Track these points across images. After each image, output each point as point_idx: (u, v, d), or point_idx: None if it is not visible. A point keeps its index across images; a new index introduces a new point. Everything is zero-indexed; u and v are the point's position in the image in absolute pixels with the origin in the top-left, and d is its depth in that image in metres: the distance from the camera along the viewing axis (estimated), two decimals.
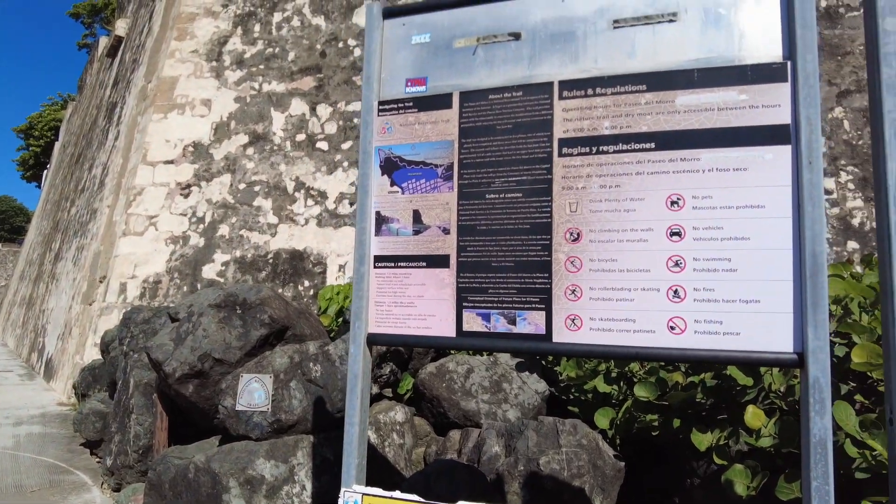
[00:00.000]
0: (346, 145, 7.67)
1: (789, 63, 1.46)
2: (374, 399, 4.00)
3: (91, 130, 15.08)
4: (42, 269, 15.74)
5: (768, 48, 1.51)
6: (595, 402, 3.78)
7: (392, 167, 1.74)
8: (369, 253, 1.73)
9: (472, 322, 1.60)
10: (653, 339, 1.45)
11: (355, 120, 7.80)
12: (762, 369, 2.80)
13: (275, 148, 7.82)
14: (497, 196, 1.62)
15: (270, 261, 7.33)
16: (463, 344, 1.61)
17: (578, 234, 1.54)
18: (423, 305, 1.66)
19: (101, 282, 7.96)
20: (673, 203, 1.49)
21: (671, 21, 1.58)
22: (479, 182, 1.64)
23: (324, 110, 7.93)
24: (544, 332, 1.53)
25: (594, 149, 1.57)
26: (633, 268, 1.49)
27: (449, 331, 1.63)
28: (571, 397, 4.05)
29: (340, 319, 6.07)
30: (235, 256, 7.37)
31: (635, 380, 3.68)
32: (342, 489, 1.61)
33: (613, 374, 3.66)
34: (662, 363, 3.22)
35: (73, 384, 6.72)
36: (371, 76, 1.81)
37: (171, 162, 7.95)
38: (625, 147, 1.54)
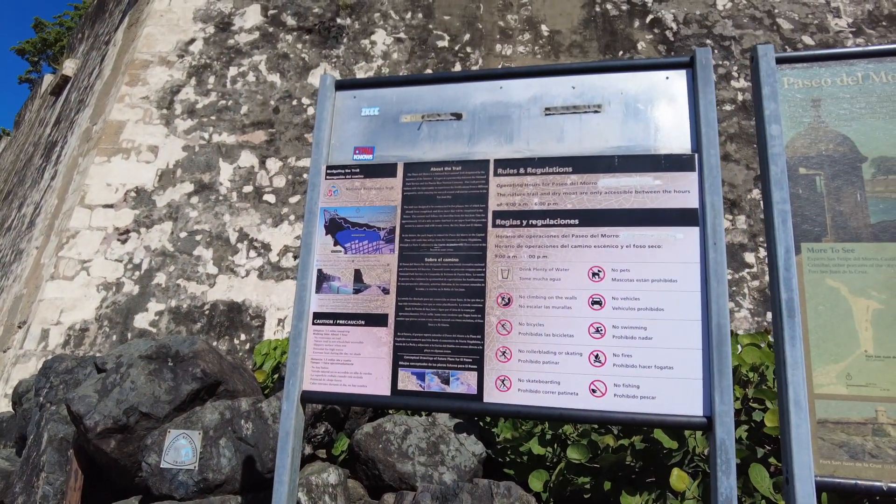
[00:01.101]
0: (294, 199, 7.70)
1: (696, 155, 1.66)
2: (308, 460, 3.90)
3: (25, 168, 14.51)
4: None
5: (680, 140, 1.70)
6: (530, 464, 3.82)
7: (336, 228, 1.82)
8: (308, 309, 1.77)
9: (407, 381, 1.66)
10: (576, 401, 1.54)
11: (305, 175, 7.87)
12: (687, 433, 2.94)
13: (220, 198, 7.76)
14: (435, 260, 1.71)
15: (207, 312, 7.13)
16: (397, 403, 1.65)
17: (509, 299, 1.64)
18: (359, 363, 1.70)
19: (19, 327, 7.50)
20: (594, 274, 1.62)
21: (596, 112, 1.77)
22: (419, 246, 1.74)
23: (273, 164, 7.97)
24: (476, 392, 1.60)
25: (524, 222, 1.69)
26: (558, 332, 1.60)
27: (384, 389, 1.67)
28: (507, 459, 4.08)
29: (276, 376, 5.93)
30: (171, 306, 7.13)
31: (569, 442, 3.77)
32: None
33: (548, 437, 3.72)
34: (594, 425, 3.32)
35: None
36: (321, 141, 1.91)
37: (111, 206, 7.74)
38: (552, 222, 1.68)
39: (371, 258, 1.77)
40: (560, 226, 1.67)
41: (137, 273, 7.31)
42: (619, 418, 1.51)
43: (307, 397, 1.72)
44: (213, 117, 8.39)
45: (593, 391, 1.54)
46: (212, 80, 8.77)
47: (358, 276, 1.76)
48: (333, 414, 3.85)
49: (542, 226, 1.68)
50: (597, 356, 1.56)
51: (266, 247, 7.43)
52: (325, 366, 1.73)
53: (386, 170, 1.83)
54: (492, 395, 1.59)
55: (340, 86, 1.95)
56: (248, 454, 3.07)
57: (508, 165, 1.75)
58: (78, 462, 3.46)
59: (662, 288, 1.58)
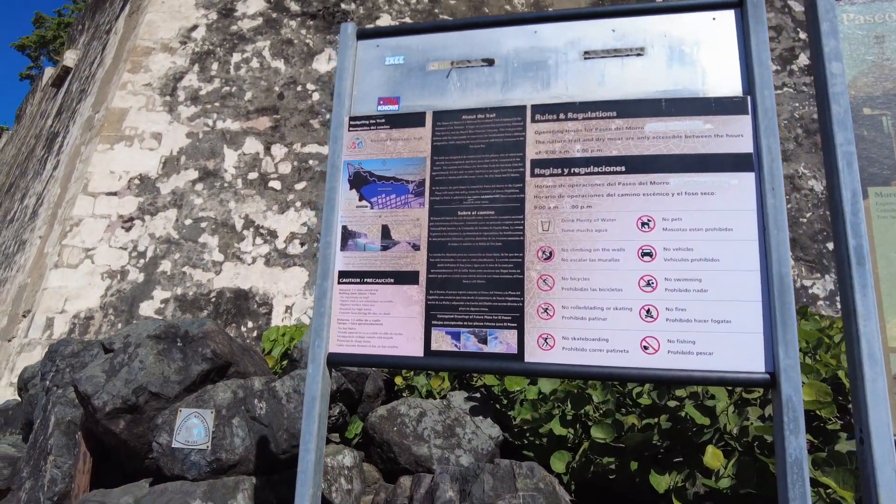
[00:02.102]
0: (300, 185, 7.59)
1: (749, 98, 1.53)
2: None
3: (27, 160, 14.41)
4: None
5: (730, 83, 1.58)
6: (550, 446, 3.71)
7: (361, 182, 1.70)
8: (333, 268, 1.66)
9: (441, 341, 1.55)
10: (627, 359, 1.43)
11: (310, 162, 7.76)
12: (718, 409, 2.82)
13: (225, 185, 7.64)
14: (469, 213, 1.60)
15: (213, 299, 7.03)
16: (431, 364, 1.54)
17: (551, 253, 1.53)
18: (389, 323, 1.59)
19: (24, 316, 7.41)
20: (643, 224, 1.50)
21: (639, 55, 1.65)
22: (450, 199, 1.62)
23: (279, 150, 7.85)
24: (516, 352, 1.49)
25: (566, 170, 1.58)
26: (605, 287, 1.48)
27: (416, 350, 1.56)
28: (526, 441, 3.97)
29: (285, 362, 5.83)
30: (176, 294, 7.03)
31: (590, 423, 3.66)
32: None
33: (569, 417, 3.62)
34: (638, 385, 3.21)
35: None
36: (343, 92, 1.79)
37: (115, 194, 7.63)
38: (596, 169, 1.56)
39: (399, 213, 1.65)
40: (605, 173, 1.55)
41: (142, 261, 7.21)
42: (674, 376, 1.40)
43: (334, 360, 1.60)
44: (216, 104, 8.26)
45: (645, 348, 1.43)
46: (215, 66, 8.64)
47: (385, 232, 1.65)
48: (348, 395, 3.75)
49: (586, 174, 1.56)
50: (648, 311, 1.44)
51: (272, 234, 7.32)
52: (353, 326, 1.62)
53: (413, 119, 1.71)
54: (534, 355, 1.48)
55: (363, 35, 1.83)
56: (262, 434, 2.96)
57: (547, 111, 1.63)
58: (86, 444, 3.36)
59: (717, 237, 1.46)
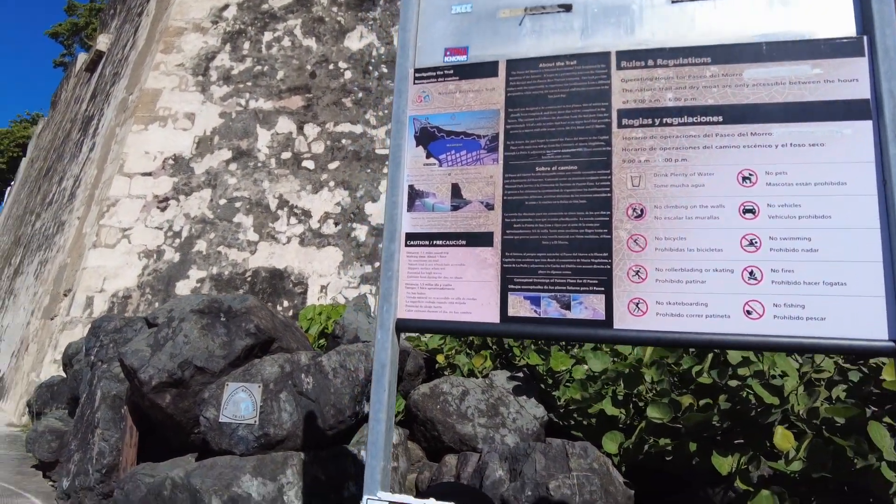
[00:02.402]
0: (333, 165, 7.52)
1: (865, 38, 1.37)
2: (363, 420, 3.75)
3: (63, 144, 14.65)
4: None
5: (840, 23, 1.42)
6: (599, 427, 3.60)
7: (428, 138, 1.59)
8: (400, 230, 1.56)
9: (519, 306, 1.43)
10: (728, 325, 1.30)
11: (343, 141, 7.68)
12: (787, 389, 2.67)
13: (259, 165, 7.62)
14: (548, 169, 1.48)
15: (249, 279, 7.04)
16: (509, 331, 1.43)
17: (642, 211, 1.40)
18: (461, 288, 1.48)
19: (65, 295, 7.53)
20: (745, 178, 1.36)
21: None
22: (528, 154, 1.50)
23: (311, 130, 7.79)
24: (604, 318, 1.37)
25: (657, 121, 1.44)
26: (704, 247, 1.35)
27: (492, 316, 1.45)
28: (572, 422, 3.87)
29: (322, 340, 5.80)
30: (212, 273, 7.06)
31: (640, 403, 3.53)
32: (364, 497, 1.40)
33: (620, 397, 3.49)
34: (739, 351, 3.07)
35: (27, 402, 6.24)
36: (406, 43, 1.67)
37: (150, 174, 7.67)
38: (690, 119, 1.42)
39: (470, 170, 1.54)
40: (700, 124, 1.41)
41: (178, 240, 7.24)
42: (782, 343, 1.26)
43: (403, 326, 1.51)
44: (248, 83, 8.22)
45: (748, 313, 1.29)
46: (246, 45, 8.59)
47: (456, 190, 1.53)
48: None
49: (679, 124, 1.42)
50: (752, 273, 1.31)
51: (306, 213, 7.28)
52: (422, 291, 1.51)
53: (485, 69, 1.58)
54: (624, 321, 1.36)
55: None
56: (310, 409, 2.90)
57: (634, 58, 1.49)
58: (132, 418, 3.36)
59: (828, 192, 1.31)
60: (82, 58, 18.20)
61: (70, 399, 4.89)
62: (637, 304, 1.36)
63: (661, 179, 1.40)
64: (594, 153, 1.46)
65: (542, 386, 4.16)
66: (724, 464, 2.72)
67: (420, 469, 3.74)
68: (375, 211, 7.22)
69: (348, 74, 8.11)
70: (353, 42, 8.40)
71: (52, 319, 7.69)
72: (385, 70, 8.00)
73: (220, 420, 2.72)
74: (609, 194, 1.42)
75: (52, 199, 12.49)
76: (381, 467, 1.41)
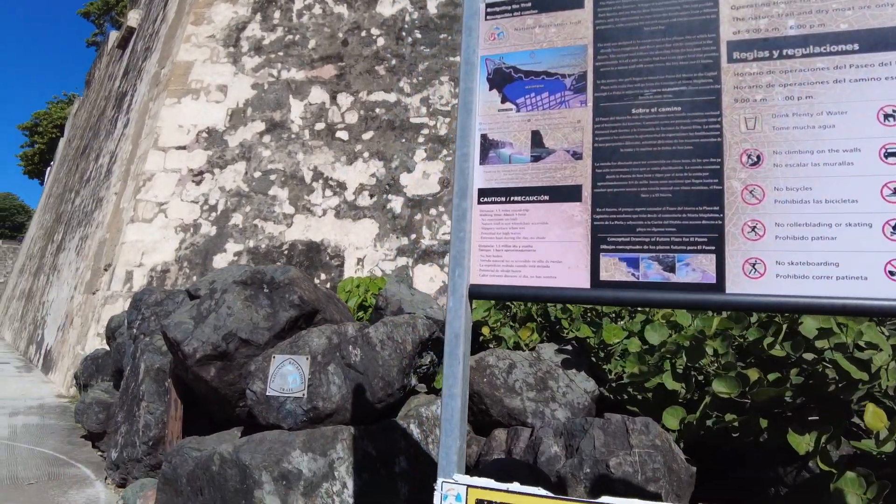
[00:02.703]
0: (367, 135, 7.36)
1: None
2: (410, 393, 3.65)
3: (98, 122, 14.79)
4: (42, 262, 15.38)
5: None
6: (657, 402, 3.43)
7: (503, 80, 1.41)
8: (472, 185, 1.39)
9: (614, 269, 1.26)
10: (865, 288, 1.11)
11: (377, 110, 7.50)
12: (876, 363, 2.45)
13: (292, 136, 7.50)
14: (647, 111, 1.28)
15: (285, 252, 6.99)
16: (602, 297, 1.26)
17: (759, 157, 1.20)
18: (544, 249, 1.31)
19: (105, 270, 7.61)
20: (887, 117, 1.15)
21: None
22: (622, 94, 1.30)
23: (345, 99, 7.62)
24: (714, 281, 1.19)
25: (776, 52, 1.23)
26: (834, 198, 1.15)
27: (581, 280, 1.28)
28: (625, 397, 3.70)
29: (361, 313, 5.72)
30: (249, 247, 7.02)
31: (700, 377, 3.35)
32: (439, 480, 1.26)
33: (680, 370, 3.31)
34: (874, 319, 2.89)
35: (73, 374, 6.35)
36: None
37: (184, 148, 7.62)
38: (817, 50, 1.21)
39: (554, 115, 1.35)
40: (830, 54, 1.20)
41: (214, 214, 7.22)
42: None
43: (477, 292, 1.35)
44: (280, 53, 8.07)
45: (891, 274, 1.10)
46: (277, 14, 8.41)
47: (537, 138, 1.35)
48: (439, 344, 3.55)
49: (803, 56, 1.21)
50: (895, 227, 1.11)
51: (341, 185, 7.16)
52: (498, 254, 1.35)
53: (568, 0, 1.38)
54: (738, 284, 1.18)
55: None
56: (358, 382, 2.79)
57: None
58: (176, 391, 3.31)
59: None
60: (114, 35, 18.28)
61: (114, 372, 4.92)
62: (753, 265, 1.18)
63: (782, 121, 1.20)
64: (700, 92, 1.26)
65: (593, 359, 3.99)
66: (802, 442, 2.53)
67: (467, 443, 3.63)
68: (411, 182, 7.06)
69: (381, 41, 7.89)
70: (386, 7, 8.14)
71: (93, 294, 7.79)
72: (419, 35, 7.75)
73: (267, 393, 2.63)
74: (719, 139, 1.23)
75: (90, 176, 12.64)
76: (457, 448, 1.28)
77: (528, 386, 3.85)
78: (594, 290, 1.27)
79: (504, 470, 2.70)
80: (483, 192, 1.39)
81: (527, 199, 1.35)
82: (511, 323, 4.29)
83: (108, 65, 18.13)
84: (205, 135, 7.66)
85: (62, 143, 26.73)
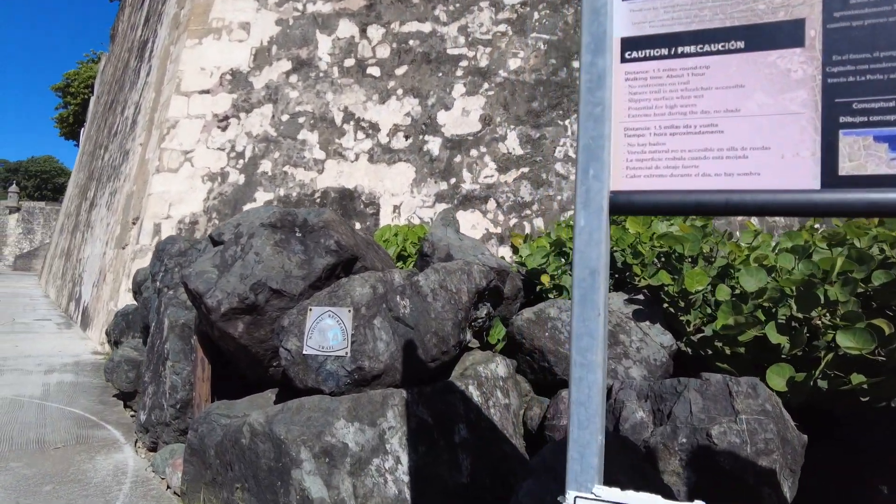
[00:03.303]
0: (400, 70, 6.76)
1: None
2: (463, 350, 3.22)
3: (123, 74, 14.44)
4: (78, 220, 15.42)
5: None
6: (752, 357, 2.93)
7: None
8: (610, 32, 0.87)
9: (864, 155, 0.75)
10: None
11: (411, 42, 6.87)
12: None
13: (321, 75, 6.96)
14: None
15: (317, 200, 6.56)
16: (843, 203, 0.75)
17: None
18: (739, 129, 0.80)
19: (133, 224, 7.33)
20: None
21: None
22: None
23: (375, 32, 7.00)
24: None
25: None
26: None
27: (803, 178, 0.77)
28: (709, 352, 3.21)
29: (400, 263, 5.30)
30: (279, 195, 6.62)
31: (819, 329, 2.82)
32: (570, 494, 0.80)
33: (782, 320, 2.79)
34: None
35: (105, 331, 6.15)
36: None
37: (207, 91, 7.17)
38: None
39: None
40: None
41: (241, 161, 6.81)
42: None
43: (624, 203, 0.86)
44: None
45: None
46: None
47: None
48: (496, 294, 3.09)
49: None
50: None
51: (374, 127, 6.64)
52: (657, 141, 0.84)
53: None
54: None
55: None
56: (408, 338, 2.36)
57: None
58: (202, 350, 2.95)
59: None
60: None
61: (143, 328, 4.64)
62: None
63: None
64: None
65: (672, 310, 3.49)
66: None
67: (528, 404, 3.21)
68: (449, 120, 6.48)
69: None
70: None
71: (123, 248, 7.56)
72: None
73: (304, 352, 2.22)
74: None
75: (117, 129, 12.37)
76: (597, 447, 0.81)
77: None
78: (829, 193, 0.76)
79: None
80: (630, 44, 0.87)
81: (705, 48, 0.83)
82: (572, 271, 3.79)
83: (129, 15, 17.66)
84: (228, 77, 7.18)
85: (92, 101, 26.66)
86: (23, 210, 42.40)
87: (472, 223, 6.13)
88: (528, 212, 6.09)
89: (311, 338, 2.22)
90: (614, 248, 3.88)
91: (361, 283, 2.34)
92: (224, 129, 7.02)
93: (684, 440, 2.35)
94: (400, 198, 6.44)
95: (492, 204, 6.11)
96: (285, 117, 6.87)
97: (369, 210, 6.41)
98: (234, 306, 2.54)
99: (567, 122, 6.26)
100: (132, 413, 4.26)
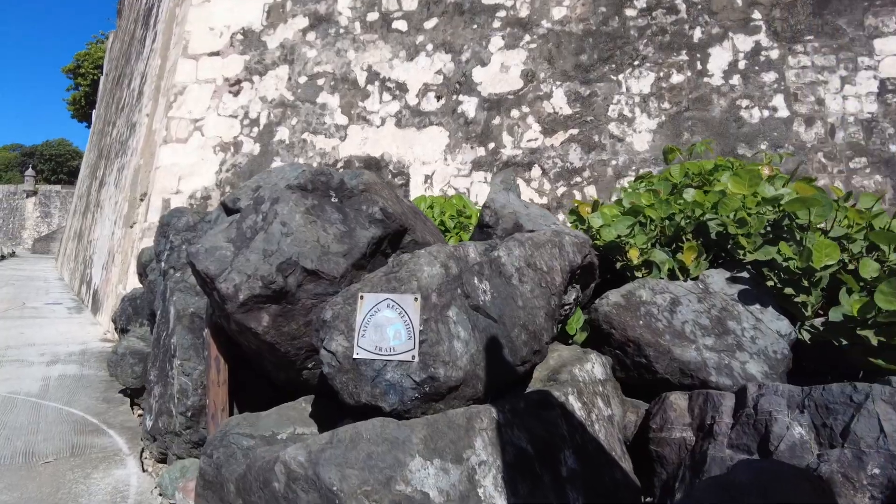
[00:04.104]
0: (430, 23, 6.04)
1: None
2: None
3: (129, 47, 13.79)
4: (89, 200, 14.95)
5: None
6: None
7: None
8: None
9: None
10: None
11: None
12: None
13: (341, 31, 6.26)
14: None
15: (340, 170, 5.92)
16: None
17: None
18: None
19: (141, 200, 6.76)
20: None
21: None
22: None
23: None
24: None
25: None
26: None
27: None
28: (842, 342, 2.55)
29: (446, 237, 4.67)
30: None
31: None
32: None
33: None
34: None
35: (111, 318, 5.62)
36: None
37: (217, 53, 6.51)
38: None
39: None
40: None
41: (256, 129, 6.18)
42: None
43: None
44: None
45: None
46: None
47: None
48: (588, 273, 2.44)
49: None
50: None
51: (401, 87, 5.95)
52: None
53: None
54: None
55: None
56: (491, 334, 1.74)
57: None
58: (217, 346, 2.35)
59: None
60: None
61: (150, 315, 4.07)
62: None
63: None
64: None
65: (787, 290, 2.82)
66: None
67: (621, 409, 2.58)
68: (486, 78, 5.77)
69: None
70: None
71: (131, 227, 7.00)
72: None
73: (355, 356, 1.60)
74: None
75: (124, 103, 11.78)
76: None
77: (703, 330, 2.75)
78: None
79: (760, 475, 1.62)
80: None
81: None
82: (661, 243, 3.14)
83: None
84: (240, 37, 6.51)
85: (102, 80, 26.13)
86: (39, 194, 42.39)
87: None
88: (579, 179, 5.41)
89: (363, 336, 1.60)
90: (708, 216, 3.21)
91: (429, 260, 1.71)
92: (236, 94, 6.38)
93: (876, 471, 1.72)
94: (432, 166, 5.77)
95: (536, 171, 5.44)
96: (303, 79, 6.20)
97: (398, 181, 5.76)
98: (256, 293, 1.92)
99: (621, 76, 5.53)
100: (140, 413, 3.71)
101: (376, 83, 6.02)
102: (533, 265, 1.89)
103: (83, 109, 39.69)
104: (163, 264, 3.27)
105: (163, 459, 2.94)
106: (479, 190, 5.61)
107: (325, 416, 2.01)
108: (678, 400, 2.40)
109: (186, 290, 2.74)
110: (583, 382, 2.06)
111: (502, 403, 1.71)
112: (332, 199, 2.22)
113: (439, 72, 5.88)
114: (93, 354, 5.59)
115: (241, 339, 2.18)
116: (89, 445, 3.04)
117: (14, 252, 30.74)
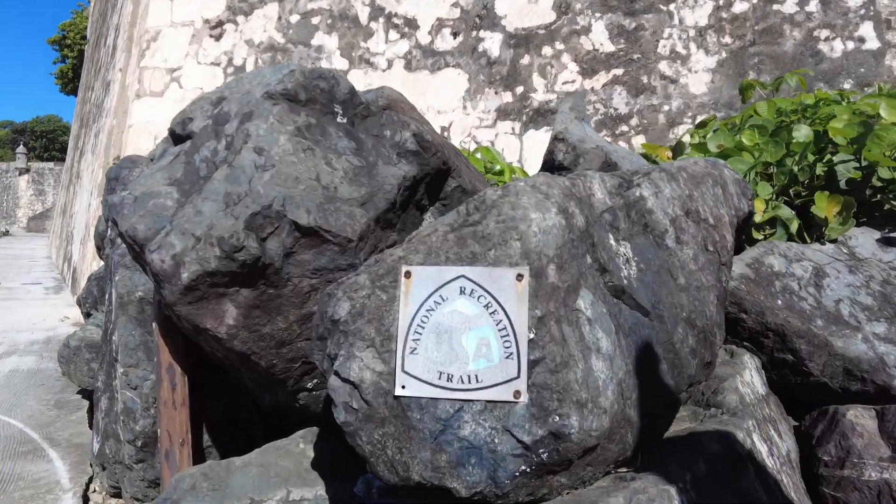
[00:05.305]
0: None
1: None
2: None
3: (105, 4, 12.73)
4: (72, 172, 14.06)
5: None
6: None
7: None
8: None
9: None
10: None
11: None
12: None
13: None
14: None
15: None
16: None
17: None
18: None
19: (114, 164, 5.91)
20: None
21: None
22: None
23: None
24: None
25: None
26: None
27: None
28: None
29: None
30: None
31: None
32: None
33: None
34: None
35: (77, 299, 4.83)
36: None
37: None
38: None
39: None
40: None
41: None
42: None
43: None
44: None
45: None
46: None
47: None
48: (743, 230, 1.62)
49: None
50: None
51: (411, 23, 5.05)
52: None
53: None
54: None
55: None
56: (644, 340, 0.94)
57: None
58: (171, 351, 1.55)
59: None
60: None
61: (102, 297, 3.27)
62: None
63: None
64: None
65: None
66: None
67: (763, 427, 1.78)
68: (511, 9, 4.87)
69: None
70: None
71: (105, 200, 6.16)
72: None
73: (399, 392, 0.80)
74: None
75: (101, 64, 10.81)
76: None
77: (867, 311, 1.98)
78: None
79: None
80: None
81: None
82: (787, 196, 2.31)
83: None
84: None
85: (87, 47, 24.95)
86: (32, 171, 41.42)
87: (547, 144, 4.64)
88: (625, 127, 4.57)
89: (414, 352, 0.79)
90: (840, 156, 2.39)
91: (538, 200, 0.87)
92: (218, 37, 5.48)
93: None
94: (449, 116, 4.91)
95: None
96: (295, 18, 5.30)
97: None
98: (211, 268, 1.10)
99: (672, 6, 4.65)
100: None
101: (381, 20, 5.12)
102: (694, 214, 1.08)
103: (71, 83, 38.29)
104: (110, 232, 2.46)
105: (117, 493, 2.18)
106: (506, 143, 4.77)
107: (335, 466, 1.23)
108: (861, 419, 1.62)
109: (133, 265, 1.93)
110: (751, 405, 1.26)
111: (664, 467, 0.91)
112: (339, 119, 1.39)
113: (456, 4, 4.97)
114: (58, 343, 4.81)
115: (201, 343, 1.37)
116: (17, 476, 2.26)
117: (7, 231, 29.93)
